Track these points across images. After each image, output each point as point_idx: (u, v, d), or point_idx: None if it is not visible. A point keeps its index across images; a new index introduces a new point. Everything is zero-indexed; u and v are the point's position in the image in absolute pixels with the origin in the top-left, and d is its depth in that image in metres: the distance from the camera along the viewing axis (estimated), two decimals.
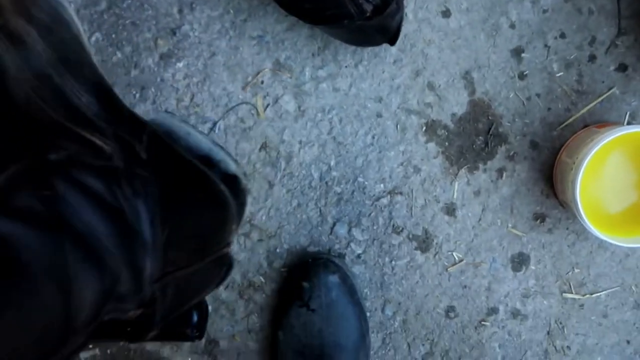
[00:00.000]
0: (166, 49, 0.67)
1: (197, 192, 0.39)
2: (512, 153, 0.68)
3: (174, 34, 0.67)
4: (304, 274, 0.66)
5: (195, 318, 0.64)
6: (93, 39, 0.67)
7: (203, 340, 0.71)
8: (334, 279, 0.65)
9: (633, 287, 0.70)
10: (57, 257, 0.30)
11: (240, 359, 0.72)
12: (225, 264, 0.43)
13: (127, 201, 0.34)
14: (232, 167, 0.45)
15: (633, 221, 0.63)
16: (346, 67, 0.67)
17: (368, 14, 0.54)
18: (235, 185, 0.44)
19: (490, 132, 0.68)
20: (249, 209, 0.68)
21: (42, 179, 0.33)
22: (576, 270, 0.69)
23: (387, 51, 0.66)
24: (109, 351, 0.72)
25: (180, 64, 0.67)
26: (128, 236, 0.33)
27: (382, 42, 0.61)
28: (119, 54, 0.67)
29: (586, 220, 0.58)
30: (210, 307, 0.70)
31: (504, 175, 0.68)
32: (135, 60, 0.67)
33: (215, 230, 0.41)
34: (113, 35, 0.67)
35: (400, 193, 0.68)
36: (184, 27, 0.67)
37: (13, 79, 0.34)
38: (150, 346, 0.72)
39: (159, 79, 0.68)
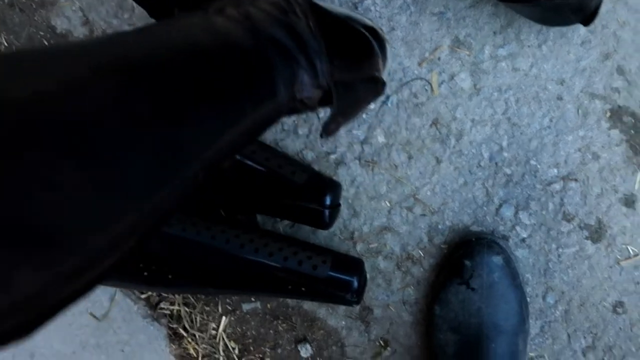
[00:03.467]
0: None
1: (341, 24, 0.52)
2: None
3: (356, 7, 0.69)
4: (467, 252, 0.66)
5: (355, 284, 0.67)
6: None
7: (358, 307, 0.74)
8: (497, 260, 0.65)
9: None
10: (260, 48, 0.41)
11: (393, 328, 0.74)
12: (379, 82, 0.55)
13: (295, 21, 0.45)
14: (368, 22, 0.57)
15: None
16: (529, 46, 0.65)
17: None
18: (374, 33, 0.57)
19: None
20: (414, 183, 0.69)
21: (236, 4, 0.45)
22: None
23: (575, 32, 0.64)
24: (268, 305, 0.77)
25: None
26: (301, 42, 0.44)
27: (576, 22, 0.58)
28: None
29: None
30: (368, 276, 0.72)
31: None
32: None
33: (364, 54, 0.54)
34: None
35: (575, 179, 0.66)
36: (366, 1, 0.68)
37: None
38: (307, 305, 0.76)
39: None
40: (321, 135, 0.50)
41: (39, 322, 0.25)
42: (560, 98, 0.65)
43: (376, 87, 0.54)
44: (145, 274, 0.75)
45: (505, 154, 0.67)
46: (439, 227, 0.70)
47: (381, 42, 0.58)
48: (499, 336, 0.65)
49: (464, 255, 0.66)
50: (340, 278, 0.67)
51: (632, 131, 0.64)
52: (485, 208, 0.68)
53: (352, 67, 0.51)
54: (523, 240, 0.68)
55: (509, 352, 0.65)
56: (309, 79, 0.44)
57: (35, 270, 0.22)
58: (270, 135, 0.72)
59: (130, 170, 0.27)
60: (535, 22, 0.63)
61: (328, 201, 0.68)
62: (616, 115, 0.64)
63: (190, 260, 0.71)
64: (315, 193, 0.68)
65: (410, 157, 0.69)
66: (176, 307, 0.79)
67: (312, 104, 0.47)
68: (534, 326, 0.69)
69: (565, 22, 0.60)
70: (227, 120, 0.36)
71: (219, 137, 0.35)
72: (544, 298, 0.69)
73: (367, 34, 0.55)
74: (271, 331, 0.78)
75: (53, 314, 0.26)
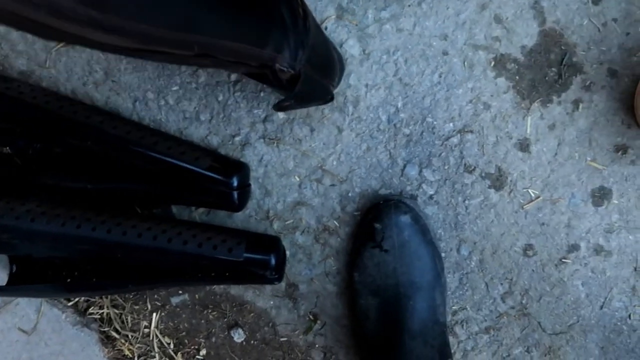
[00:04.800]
0: None
1: (324, 35, 0.62)
2: (588, 83, 0.65)
3: None
4: (376, 215, 0.67)
5: (273, 261, 0.67)
6: None
7: (283, 284, 0.74)
8: (405, 219, 0.66)
9: None
10: (271, 10, 0.49)
11: (319, 301, 0.74)
12: (330, 95, 0.64)
13: (297, 9, 0.52)
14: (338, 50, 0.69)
15: None
16: (409, 6, 0.66)
17: None
18: (341, 57, 0.67)
19: (564, 63, 0.65)
20: (319, 155, 0.70)
21: None
22: None
23: None
24: (197, 296, 0.77)
25: None
26: (295, 26, 0.51)
27: None
28: None
29: None
30: (288, 252, 0.73)
31: (580, 106, 0.65)
32: None
33: (334, 66, 0.63)
34: None
35: (471, 131, 0.67)
36: None
37: None
38: (234, 291, 0.76)
39: None
40: (273, 108, 0.57)
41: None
42: (445, 53, 0.66)
43: (326, 96, 0.63)
44: (69, 280, 0.74)
45: (402, 115, 0.68)
46: (350, 194, 0.70)
47: (343, 67, 0.67)
48: (416, 293, 0.66)
49: (373, 219, 0.67)
50: (257, 258, 0.67)
51: (517, 77, 0.66)
52: (390, 170, 0.69)
53: (322, 70, 0.59)
54: (431, 197, 0.69)
55: (427, 307, 0.66)
56: (289, 58, 0.51)
57: (176, 31, 0.39)
58: (173, 125, 0.72)
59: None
60: None
61: (235, 182, 0.68)
62: (500, 63, 0.66)
63: (107, 260, 0.70)
64: (221, 176, 0.68)
65: (312, 130, 0.70)
66: (105, 310, 0.79)
67: (280, 79, 0.53)
68: (452, 280, 0.70)
69: None
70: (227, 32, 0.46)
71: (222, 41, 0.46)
72: (458, 251, 0.70)
73: (339, 54, 0.66)
74: (203, 321, 0.77)
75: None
